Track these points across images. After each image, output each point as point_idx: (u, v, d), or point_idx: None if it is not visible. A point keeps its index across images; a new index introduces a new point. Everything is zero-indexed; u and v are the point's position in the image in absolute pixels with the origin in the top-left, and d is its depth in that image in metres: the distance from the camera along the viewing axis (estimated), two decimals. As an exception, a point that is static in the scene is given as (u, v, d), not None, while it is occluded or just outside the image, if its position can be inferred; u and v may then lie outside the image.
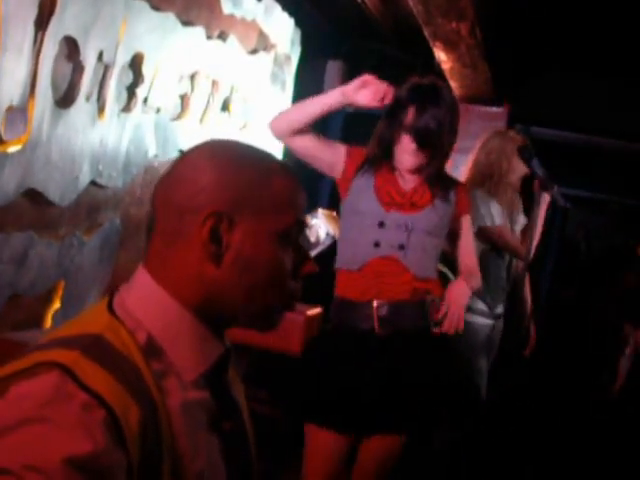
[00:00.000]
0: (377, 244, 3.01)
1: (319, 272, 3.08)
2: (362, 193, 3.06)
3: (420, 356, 3.04)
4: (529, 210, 4.07)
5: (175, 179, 1.30)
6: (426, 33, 4.86)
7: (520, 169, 4.05)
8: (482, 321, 4.26)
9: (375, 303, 3.02)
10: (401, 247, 3.02)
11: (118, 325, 1.23)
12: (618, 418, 6.39)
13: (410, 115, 3.00)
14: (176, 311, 1.26)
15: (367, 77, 3.04)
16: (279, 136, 3.17)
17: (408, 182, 3.10)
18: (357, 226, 3.06)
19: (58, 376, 1.11)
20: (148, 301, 1.27)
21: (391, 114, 3.06)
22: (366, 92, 3.02)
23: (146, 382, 1.19)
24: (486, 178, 4.15)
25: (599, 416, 6.66)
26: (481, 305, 4.23)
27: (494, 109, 6.99)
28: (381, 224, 3.02)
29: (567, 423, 6.41)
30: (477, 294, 4.21)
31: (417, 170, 3.07)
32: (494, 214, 4.12)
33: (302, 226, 1.36)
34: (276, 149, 5.17)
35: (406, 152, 3.02)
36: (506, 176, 4.14)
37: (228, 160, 1.30)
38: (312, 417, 3.00)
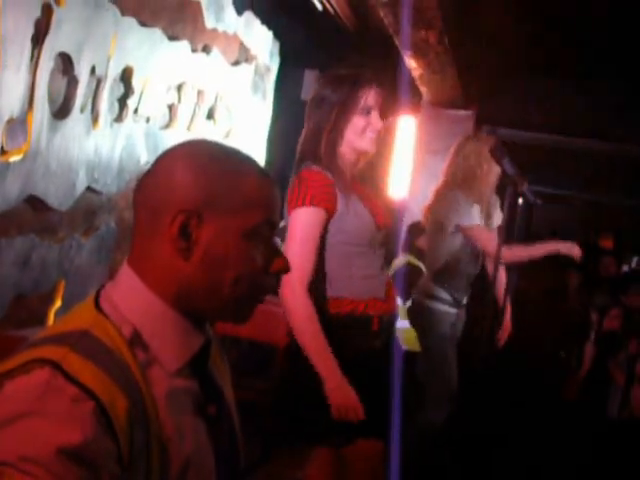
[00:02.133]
0: (382, 266, 2.97)
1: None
2: (361, 218, 2.88)
3: None
4: (502, 207, 4.20)
5: (152, 179, 1.32)
6: (396, 42, 5.00)
7: (496, 170, 4.13)
8: (446, 309, 4.38)
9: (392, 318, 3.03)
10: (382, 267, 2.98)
11: (105, 320, 1.26)
12: (586, 401, 6.49)
13: (369, 95, 2.85)
14: (157, 305, 1.29)
15: None
16: None
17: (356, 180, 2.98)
18: (365, 254, 2.91)
19: (49, 372, 1.13)
20: (132, 296, 1.29)
21: (337, 103, 2.86)
22: None
23: (133, 373, 1.21)
24: (467, 181, 4.24)
25: (568, 401, 6.78)
26: (444, 294, 4.37)
27: (462, 112, 7.11)
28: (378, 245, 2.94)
29: (536, 409, 6.49)
30: (441, 284, 4.38)
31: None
32: (473, 215, 4.19)
33: (273, 225, 1.35)
34: (258, 153, 5.32)
35: (370, 132, 2.86)
36: (486, 178, 4.23)
37: (201, 160, 1.31)
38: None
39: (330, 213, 2.78)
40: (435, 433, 4.40)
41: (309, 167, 2.82)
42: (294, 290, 2.74)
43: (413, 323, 4.41)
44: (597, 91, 7.10)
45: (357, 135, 2.86)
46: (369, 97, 2.86)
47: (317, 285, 2.82)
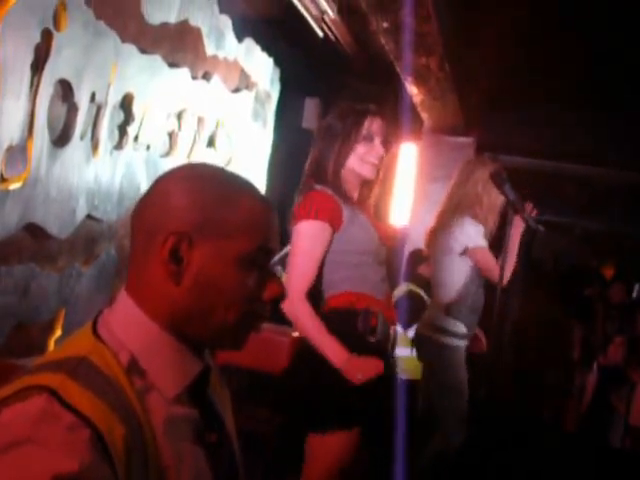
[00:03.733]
0: (383, 279, 3.08)
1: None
2: (366, 230, 3.03)
3: None
4: (503, 234, 4.19)
5: (147, 203, 1.31)
6: (397, 68, 5.02)
7: (501, 196, 4.10)
8: (462, 344, 4.35)
9: (392, 329, 3.09)
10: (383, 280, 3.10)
11: (102, 347, 1.25)
12: (588, 431, 6.47)
13: (372, 123, 3.01)
14: (154, 331, 1.28)
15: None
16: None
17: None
18: (368, 264, 3.04)
19: (45, 399, 1.13)
20: (129, 322, 1.28)
21: (341, 132, 3.02)
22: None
23: (130, 401, 1.20)
24: (473, 206, 4.24)
25: (570, 430, 6.76)
26: (463, 328, 4.32)
27: (462, 139, 7.12)
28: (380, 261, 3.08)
29: (537, 440, 6.47)
30: (455, 317, 4.33)
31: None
32: (480, 238, 4.21)
33: (269, 251, 1.34)
34: (258, 180, 5.31)
35: (373, 158, 3.01)
36: (492, 204, 4.25)
37: (196, 183, 1.30)
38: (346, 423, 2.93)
39: (335, 228, 2.92)
40: (449, 459, 4.38)
41: (315, 188, 2.97)
42: (292, 300, 2.88)
43: (422, 356, 4.39)
44: (597, 119, 7.12)
45: (359, 162, 3.02)
46: (372, 126, 3.03)
47: (317, 290, 2.97)
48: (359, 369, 2.85)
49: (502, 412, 5.84)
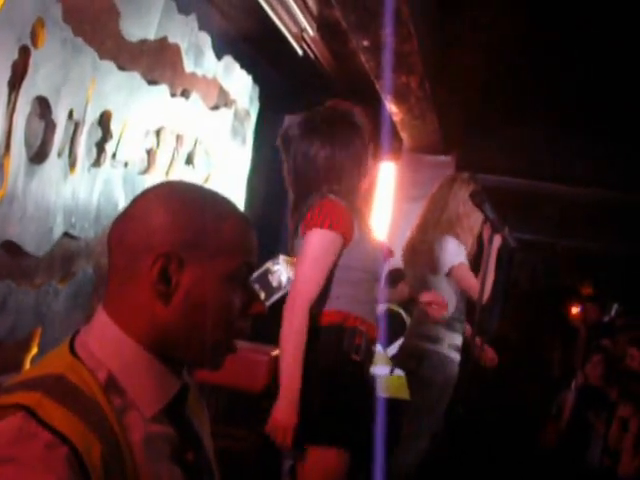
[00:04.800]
0: (376, 301, 3.14)
1: (282, 313, 3.18)
2: (375, 250, 3.10)
3: None
4: (481, 253, 4.20)
5: (129, 220, 1.31)
6: (377, 87, 5.03)
7: (479, 215, 4.16)
8: (457, 356, 4.37)
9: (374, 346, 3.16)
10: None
11: (79, 365, 1.26)
12: (567, 449, 6.47)
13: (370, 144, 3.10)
14: (133, 349, 1.28)
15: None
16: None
17: None
18: (369, 282, 3.09)
19: (22, 417, 1.13)
20: (107, 340, 1.29)
21: (358, 156, 3.06)
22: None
23: (108, 419, 1.21)
24: (452, 224, 4.28)
25: (548, 449, 6.76)
26: (459, 341, 4.34)
27: (442, 158, 7.15)
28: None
29: (516, 456, 6.48)
30: (459, 330, 4.34)
31: None
32: (462, 255, 4.26)
33: (251, 268, 1.37)
34: (237, 198, 5.30)
35: (372, 174, 3.17)
36: (474, 224, 4.29)
37: (181, 203, 1.31)
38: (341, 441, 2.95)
39: (346, 241, 2.93)
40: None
41: (330, 198, 2.97)
42: (294, 304, 2.88)
43: (421, 370, 4.38)
44: (575, 140, 7.17)
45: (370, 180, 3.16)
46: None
47: (317, 302, 2.95)
48: (282, 421, 2.83)
49: (480, 427, 5.83)
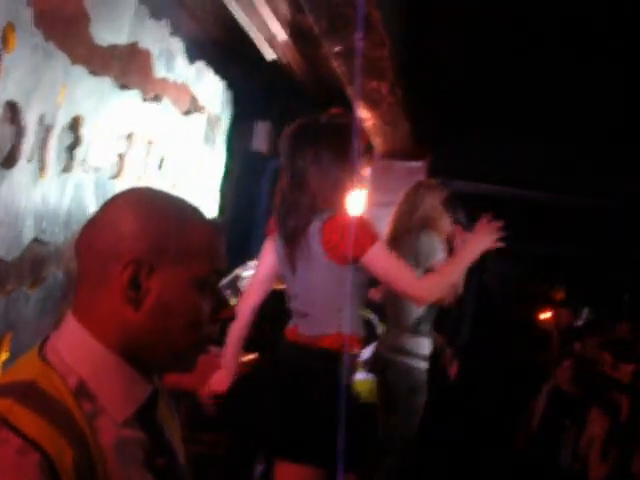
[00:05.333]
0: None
1: (257, 319, 3.20)
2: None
3: None
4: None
5: (99, 226, 1.32)
6: (349, 92, 5.04)
7: (449, 220, 4.22)
8: (425, 366, 4.37)
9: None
10: None
11: (50, 371, 1.26)
12: (538, 451, 6.51)
13: (363, 137, 3.20)
14: (103, 354, 1.29)
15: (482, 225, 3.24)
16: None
17: None
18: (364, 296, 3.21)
19: None
20: (76, 346, 1.29)
21: (348, 163, 3.09)
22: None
23: (79, 424, 1.21)
24: (429, 228, 4.31)
25: (520, 452, 6.80)
26: (427, 349, 4.35)
27: (414, 164, 7.17)
28: None
29: (488, 458, 6.52)
30: (427, 334, 4.35)
31: None
32: (442, 251, 4.28)
33: (220, 274, 1.39)
34: (209, 203, 5.30)
35: (364, 174, 3.20)
36: (446, 229, 4.30)
37: (150, 209, 1.32)
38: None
39: None
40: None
41: (338, 213, 3.03)
42: (424, 296, 3.06)
43: (385, 380, 4.39)
44: (546, 145, 7.22)
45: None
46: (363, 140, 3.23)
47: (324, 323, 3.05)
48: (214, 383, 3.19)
49: (452, 432, 5.86)
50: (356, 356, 3.09)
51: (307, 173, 3.07)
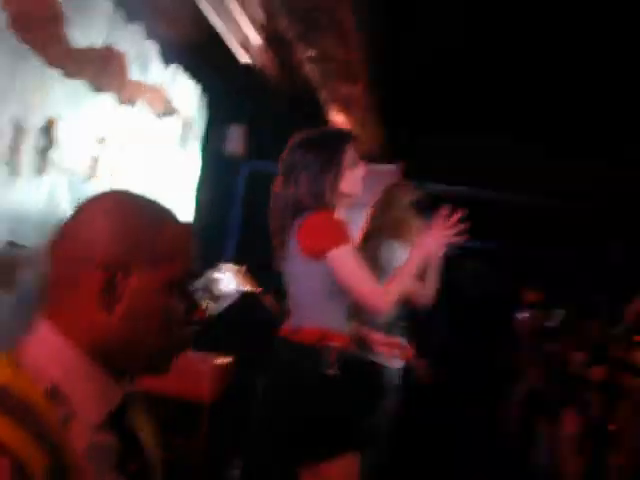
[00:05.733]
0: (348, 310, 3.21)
1: (229, 322, 3.24)
2: None
3: None
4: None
5: (72, 229, 1.30)
6: (322, 96, 5.07)
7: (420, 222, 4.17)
8: (395, 363, 4.39)
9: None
10: None
11: (22, 375, 1.23)
12: (513, 451, 6.56)
13: (350, 151, 3.16)
14: (75, 358, 1.27)
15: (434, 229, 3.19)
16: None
17: None
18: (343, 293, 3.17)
19: None
20: (48, 350, 1.27)
21: (333, 165, 3.14)
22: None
23: (51, 428, 1.18)
24: (398, 230, 4.33)
25: (496, 449, 6.85)
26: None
27: (387, 167, 7.20)
28: None
29: (465, 455, 6.57)
30: (398, 333, 4.35)
31: None
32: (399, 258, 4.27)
33: (192, 275, 1.37)
34: (184, 206, 5.30)
35: (359, 181, 3.20)
36: (418, 229, 4.21)
37: (122, 212, 1.30)
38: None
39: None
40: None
41: (319, 211, 3.06)
42: (379, 305, 3.04)
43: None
44: (522, 147, 7.28)
45: (348, 186, 3.15)
46: (355, 150, 3.19)
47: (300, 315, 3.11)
48: None
49: (429, 431, 5.89)
50: (337, 349, 3.06)
51: (297, 176, 3.14)
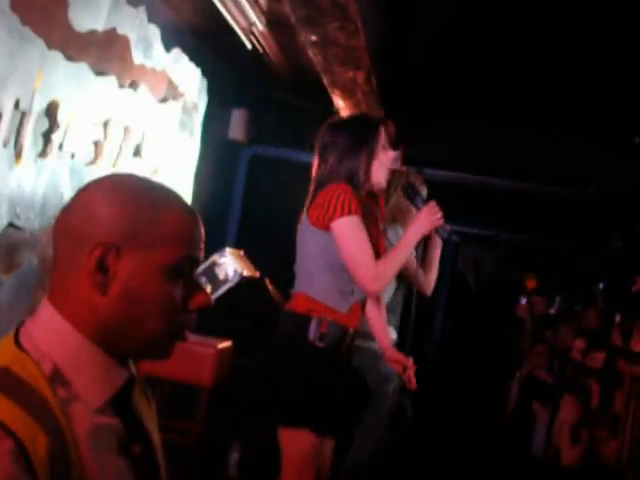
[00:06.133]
0: (356, 291, 3.22)
1: (230, 306, 3.28)
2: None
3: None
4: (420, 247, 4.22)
5: (72, 211, 1.30)
6: (325, 81, 5.06)
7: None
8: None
9: (350, 332, 3.25)
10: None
11: (24, 357, 1.24)
12: (512, 438, 6.58)
13: (383, 133, 3.26)
14: (78, 340, 1.27)
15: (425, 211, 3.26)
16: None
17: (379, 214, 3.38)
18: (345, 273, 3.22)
19: None
20: (51, 332, 1.27)
21: (364, 145, 3.22)
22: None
23: (53, 411, 1.19)
24: (396, 217, 4.30)
25: (496, 431, 6.87)
26: (393, 335, 4.35)
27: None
28: None
29: (464, 442, 6.58)
30: (392, 322, 4.35)
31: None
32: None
33: (195, 261, 1.36)
34: (185, 190, 5.29)
35: (387, 165, 3.27)
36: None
37: (123, 194, 1.30)
38: (314, 423, 3.12)
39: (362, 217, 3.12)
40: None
41: (337, 183, 3.14)
42: (371, 290, 3.16)
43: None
44: (522, 134, 7.27)
45: (379, 170, 3.25)
46: (387, 134, 3.28)
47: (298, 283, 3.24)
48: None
49: (428, 420, 5.90)
50: (327, 322, 3.14)
51: (327, 156, 3.24)
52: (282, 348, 3.22)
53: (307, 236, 3.20)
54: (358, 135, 3.23)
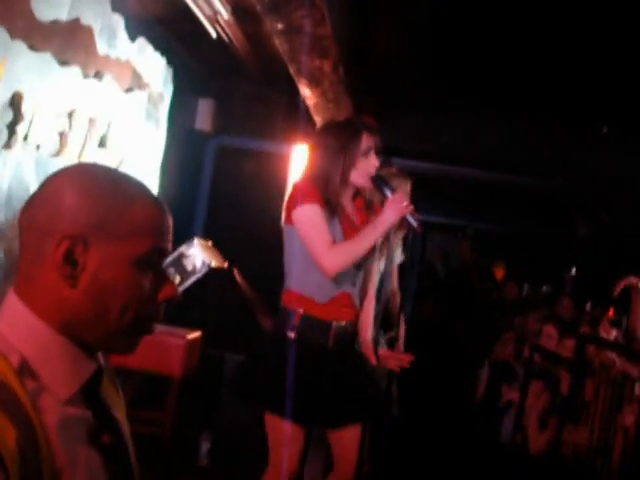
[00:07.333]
0: (337, 282, 3.31)
1: (199, 297, 3.28)
2: (335, 233, 3.30)
3: (358, 366, 3.45)
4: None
5: (39, 201, 1.29)
6: (291, 70, 5.04)
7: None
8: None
9: (334, 324, 3.32)
10: (354, 284, 3.40)
11: None
12: (481, 425, 6.63)
13: (367, 139, 3.31)
14: (45, 332, 1.26)
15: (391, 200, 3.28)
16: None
17: (355, 212, 3.47)
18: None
19: None
20: (18, 324, 1.26)
21: (343, 149, 3.29)
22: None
23: (22, 403, 1.18)
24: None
25: (466, 418, 6.92)
26: (382, 338, 4.35)
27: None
28: None
29: (435, 429, 6.62)
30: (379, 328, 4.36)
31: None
32: None
33: (163, 252, 1.35)
34: (151, 181, 5.26)
35: (370, 169, 3.32)
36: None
37: (90, 184, 1.29)
38: (278, 409, 3.24)
39: (322, 207, 3.22)
40: None
41: (301, 181, 3.32)
42: (330, 271, 3.22)
43: None
44: (492, 123, 7.30)
45: (358, 175, 3.33)
46: (369, 140, 3.33)
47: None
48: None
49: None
50: (299, 314, 3.27)
51: (313, 157, 3.40)
52: (265, 340, 3.45)
53: (285, 233, 3.34)
54: (339, 140, 3.30)
